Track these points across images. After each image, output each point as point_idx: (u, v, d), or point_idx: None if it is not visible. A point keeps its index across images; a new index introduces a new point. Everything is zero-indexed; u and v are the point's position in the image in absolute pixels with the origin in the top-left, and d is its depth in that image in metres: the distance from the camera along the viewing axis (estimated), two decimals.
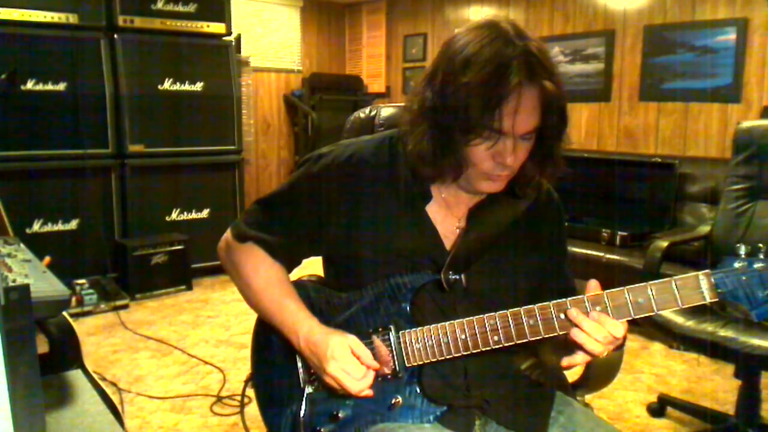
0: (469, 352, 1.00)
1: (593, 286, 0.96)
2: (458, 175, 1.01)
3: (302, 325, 1.06)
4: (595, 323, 0.92)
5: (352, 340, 1.03)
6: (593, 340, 0.92)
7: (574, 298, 0.95)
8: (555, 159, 1.03)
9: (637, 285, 0.92)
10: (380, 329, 1.05)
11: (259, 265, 1.13)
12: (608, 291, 0.93)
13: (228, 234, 1.18)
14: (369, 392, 1.01)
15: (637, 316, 0.93)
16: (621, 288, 0.93)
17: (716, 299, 0.89)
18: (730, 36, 3.70)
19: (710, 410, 2.30)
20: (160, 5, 3.79)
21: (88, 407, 1.22)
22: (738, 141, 2.30)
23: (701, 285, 0.89)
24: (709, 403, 2.44)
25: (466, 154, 0.97)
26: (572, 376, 1.35)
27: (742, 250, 0.89)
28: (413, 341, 1.03)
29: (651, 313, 0.92)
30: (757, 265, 0.87)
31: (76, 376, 1.37)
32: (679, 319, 1.92)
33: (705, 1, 3.82)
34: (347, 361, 1.00)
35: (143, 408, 2.41)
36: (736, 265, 0.89)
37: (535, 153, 1.00)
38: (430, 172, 1.02)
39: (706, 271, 0.90)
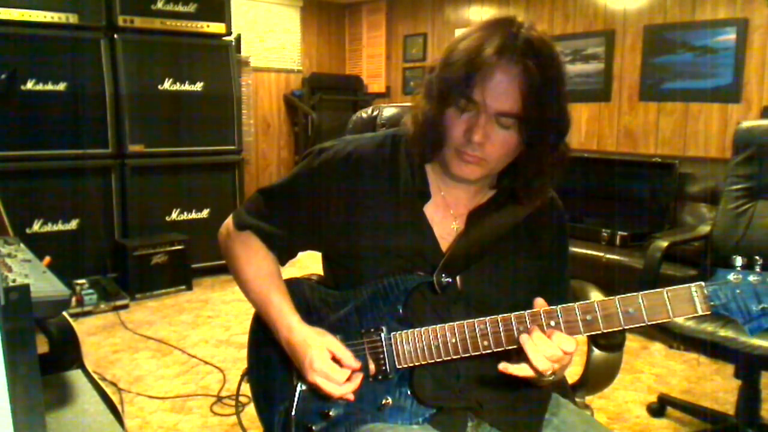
0: (459, 356, 0.99)
1: (539, 303, 0.96)
2: (439, 147, 1.00)
3: (283, 322, 1.07)
4: (545, 338, 0.92)
5: (331, 343, 1.03)
6: (541, 356, 0.91)
7: (565, 305, 0.94)
8: (545, 155, 0.99)
9: (628, 295, 0.91)
10: (372, 330, 1.05)
11: (252, 256, 1.14)
12: (599, 300, 0.92)
13: (229, 220, 1.19)
14: (350, 396, 1.01)
15: (627, 327, 0.91)
16: (612, 297, 0.92)
17: (708, 312, 0.87)
18: (730, 36, 3.70)
19: (710, 410, 2.30)
20: (160, 5, 3.79)
21: (88, 407, 1.22)
22: (738, 141, 2.30)
23: (694, 297, 0.88)
24: (709, 403, 2.44)
25: (443, 122, 0.97)
26: (572, 377, 1.35)
27: (738, 261, 0.87)
28: (404, 343, 1.03)
29: (642, 324, 0.90)
30: (752, 278, 0.86)
31: (76, 376, 1.37)
32: (679, 319, 1.92)
33: (705, 1, 3.82)
34: (327, 368, 1.00)
35: (143, 408, 2.41)
36: (731, 277, 0.87)
37: (529, 155, 0.99)
38: (417, 148, 1.03)
39: (700, 283, 0.88)
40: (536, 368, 0.91)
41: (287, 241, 1.15)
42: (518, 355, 0.95)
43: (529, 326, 0.95)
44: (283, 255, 1.17)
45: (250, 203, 1.18)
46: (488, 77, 0.91)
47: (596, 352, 1.36)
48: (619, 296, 0.92)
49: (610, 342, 1.34)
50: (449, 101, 0.95)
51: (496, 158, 0.98)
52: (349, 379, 1.02)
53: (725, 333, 1.82)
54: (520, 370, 0.93)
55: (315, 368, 1.00)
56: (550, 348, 0.91)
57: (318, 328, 1.06)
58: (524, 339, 0.92)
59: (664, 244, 2.27)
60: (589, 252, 3.39)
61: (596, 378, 1.37)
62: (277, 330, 1.08)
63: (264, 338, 1.16)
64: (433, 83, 0.98)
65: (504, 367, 0.94)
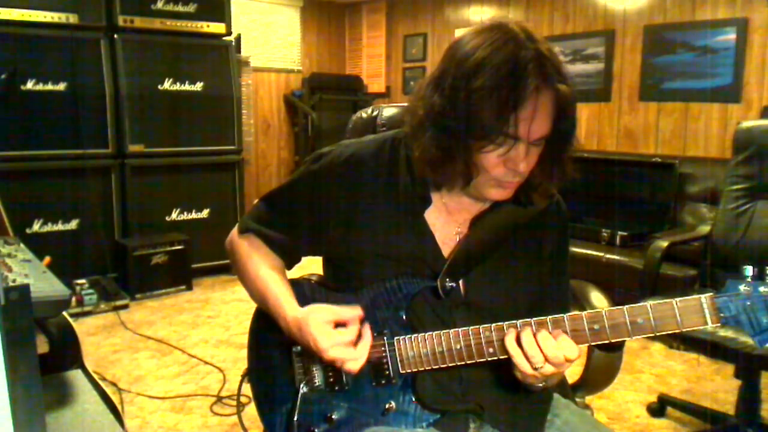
0: (464, 363, 0.99)
1: None
2: (468, 182, 0.98)
3: (280, 313, 1.05)
4: (550, 338, 0.91)
5: (324, 311, 0.99)
6: (537, 351, 0.91)
7: (572, 314, 0.94)
8: (563, 164, 1.00)
9: (636, 305, 0.90)
10: (375, 334, 1.04)
11: (253, 251, 1.14)
12: (607, 309, 0.92)
13: (234, 229, 1.20)
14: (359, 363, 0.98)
15: (635, 337, 0.91)
16: (620, 307, 0.91)
17: (718, 324, 0.86)
18: (730, 36, 3.70)
19: (710, 410, 2.30)
20: (160, 5, 3.79)
21: (88, 407, 1.22)
22: (738, 141, 2.30)
23: (704, 308, 0.87)
24: (709, 403, 2.44)
25: (477, 160, 0.95)
26: (572, 377, 1.35)
27: (749, 272, 0.86)
28: (407, 348, 1.02)
29: (650, 335, 0.90)
30: (763, 289, 0.84)
31: (76, 376, 1.37)
32: None
33: (705, 1, 3.83)
34: (333, 338, 0.97)
35: (143, 408, 2.41)
36: (741, 288, 0.86)
37: (543, 158, 0.98)
38: (439, 178, 1.01)
39: (710, 294, 0.87)
40: (527, 355, 0.91)
41: (290, 246, 1.14)
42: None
43: (535, 330, 0.94)
44: (287, 260, 1.16)
45: (252, 211, 1.19)
46: (530, 112, 0.89)
47: (596, 352, 1.36)
48: (627, 306, 0.91)
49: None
50: (483, 138, 0.92)
51: (529, 173, 0.99)
52: (359, 339, 0.99)
53: (725, 333, 1.82)
54: (515, 353, 0.92)
55: (322, 347, 0.97)
56: (551, 348, 0.90)
57: (309, 306, 1.02)
58: (526, 333, 0.92)
59: (664, 244, 2.27)
60: (589, 252, 3.39)
61: (596, 378, 1.37)
62: (279, 318, 1.06)
63: (264, 339, 1.16)
64: (449, 115, 0.93)
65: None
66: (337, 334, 0.98)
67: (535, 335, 0.92)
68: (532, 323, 0.94)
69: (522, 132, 0.90)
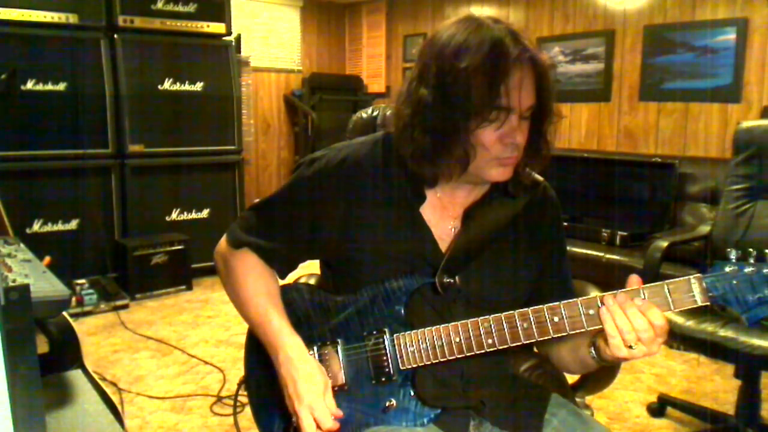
0: (463, 355, 0.99)
1: (634, 281, 0.93)
2: (465, 167, 0.99)
3: (282, 346, 1.04)
4: (623, 315, 0.89)
5: (325, 385, 1.01)
6: (622, 331, 0.89)
7: (567, 301, 0.94)
8: (547, 139, 1.03)
9: (629, 288, 0.92)
10: (374, 332, 1.05)
11: (248, 273, 1.12)
12: (600, 294, 0.93)
13: (223, 240, 1.18)
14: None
15: None
16: (613, 291, 0.93)
17: (708, 303, 0.89)
18: (730, 36, 3.70)
19: (710, 410, 2.30)
20: (160, 5, 3.79)
21: (88, 407, 1.22)
22: (738, 141, 2.30)
23: (693, 289, 0.89)
24: (709, 403, 2.44)
25: (474, 140, 0.96)
26: (572, 377, 1.35)
27: (733, 254, 0.90)
28: (407, 344, 1.02)
29: None
30: (747, 270, 0.88)
31: (76, 376, 1.37)
32: (679, 319, 1.92)
33: (705, 1, 3.83)
34: (318, 399, 0.99)
35: (143, 408, 2.41)
36: (727, 269, 0.89)
37: (529, 133, 1.00)
38: (437, 170, 1.01)
39: (698, 275, 0.90)
40: (624, 338, 0.89)
41: (286, 255, 1.13)
42: (525, 351, 0.94)
43: (533, 322, 0.95)
44: (283, 269, 1.15)
45: (243, 221, 1.16)
46: (518, 80, 0.93)
47: None
48: (621, 290, 0.92)
49: None
50: (477, 116, 0.94)
51: (523, 148, 1.01)
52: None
53: (725, 333, 1.82)
54: (609, 328, 0.90)
55: (306, 398, 0.99)
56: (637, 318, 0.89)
57: (320, 366, 1.04)
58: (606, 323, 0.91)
59: (664, 244, 2.28)
60: (589, 252, 3.39)
61: (596, 378, 1.37)
62: (275, 351, 1.05)
63: (262, 344, 1.16)
64: (440, 104, 0.95)
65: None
66: (322, 406, 0.98)
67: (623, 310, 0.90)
68: (530, 313, 0.95)
69: (513, 101, 0.94)
